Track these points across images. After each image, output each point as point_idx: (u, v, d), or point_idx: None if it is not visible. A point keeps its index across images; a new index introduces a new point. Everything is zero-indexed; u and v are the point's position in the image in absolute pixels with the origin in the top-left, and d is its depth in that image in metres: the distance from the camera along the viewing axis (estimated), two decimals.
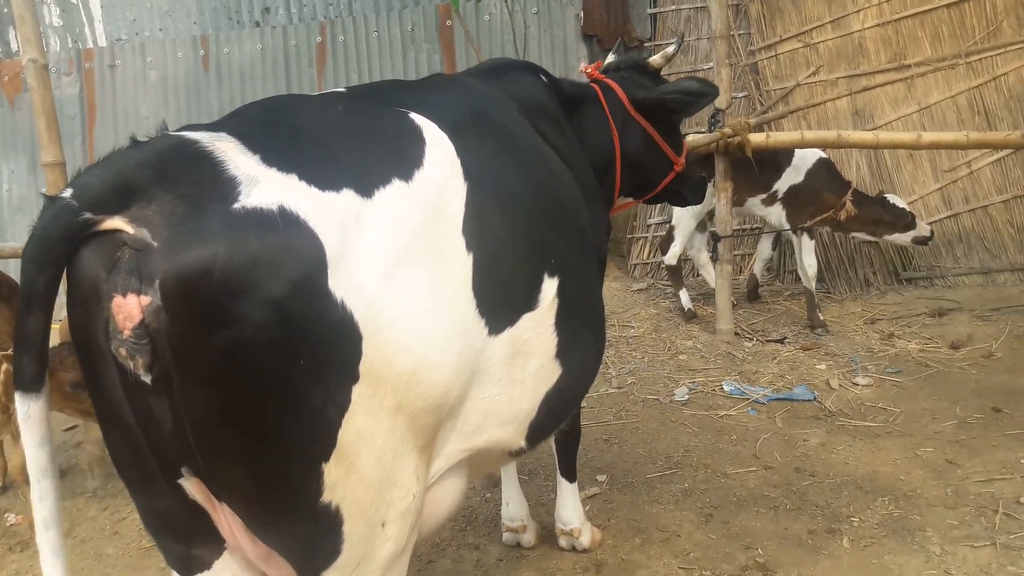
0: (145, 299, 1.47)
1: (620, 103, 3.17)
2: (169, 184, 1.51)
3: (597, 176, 3.09)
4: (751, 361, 5.45)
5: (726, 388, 4.98)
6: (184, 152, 1.57)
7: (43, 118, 4.22)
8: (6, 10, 8.50)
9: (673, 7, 7.77)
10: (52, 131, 4.17)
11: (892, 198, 6.12)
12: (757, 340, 5.83)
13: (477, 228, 1.89)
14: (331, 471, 1.64)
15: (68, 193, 1.45)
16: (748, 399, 4.84)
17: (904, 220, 6.04)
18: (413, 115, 1.96)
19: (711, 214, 6.20)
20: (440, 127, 1.97)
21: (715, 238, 5.71)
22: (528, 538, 3.57)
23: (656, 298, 6.82)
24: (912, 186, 7.15)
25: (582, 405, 4.77)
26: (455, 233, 1.84)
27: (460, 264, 1.83)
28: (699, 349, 5.71)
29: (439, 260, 1.78)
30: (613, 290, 7.12)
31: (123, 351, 1.51)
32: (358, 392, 1.63)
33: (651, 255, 7.48)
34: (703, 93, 3.11)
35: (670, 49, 3.31)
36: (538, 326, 2.10)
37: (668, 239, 6.32)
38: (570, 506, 3.43)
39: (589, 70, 3.39)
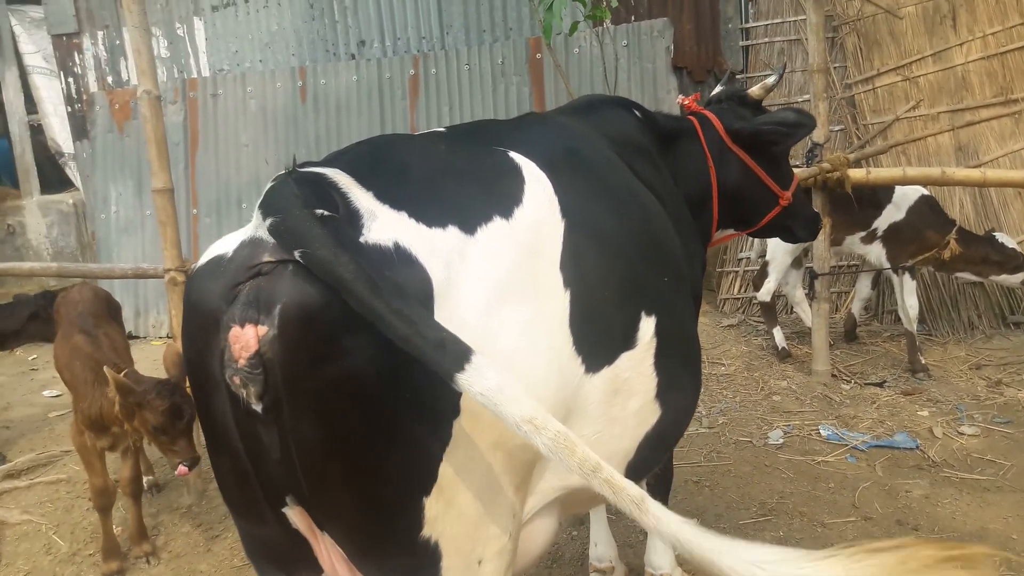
0: (262, 329, 1.53)
1: (717, 135, 3.13)
2: (332, 207, 1.58)
3: (694, 209, 3.06)
4: (849, 405, 5.24)
5: (823, 432, 4.79)
6: (327, 183, 1.64)
7: (154, 146, 4.40)
8: (118, 42, 8.98)
9: (766, 39, 7.66)
10: (163, 159, 4.35)
11: (1001, 237, 5.82)
12: (855, 383, 5.61)
13: (574, 265, 1.88)
14: (431, 505, 1.65)
15: (322, 210, 1.53)
16: (846, 445, 4.64)
17: (1015, 261, 5.74)
18: (512, 154, 1.98)
19: (807, 250, 6.03)
20: (538, 165, 1.98)
21: (812, 275, 5.53)
22: None
23: (747, 335, 6.65)
24: (1021, 224, 6.80)
25: (676, 447, 4.69)
26: (553, 270, 1.84)
27: (558, 301, 1.83)
28: (794, 390, 5.52)
29: (538, 297, 1.78)
30: (703, 325, 6.95)
31: (237, 380, 1.56)
32: (459, 427, 1.63)
33: (742, 290, 7.31)
34: (800, 124, 3.04)
35: (771, 79, 3.24)
36: (637, 365, 2.07)
37: (762, 275, 6.17)
38: (661, 550, 3.33)
39: (687, 102, 3.35)
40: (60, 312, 4.16)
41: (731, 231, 3.48)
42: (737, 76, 7.69)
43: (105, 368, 3.29)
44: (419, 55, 7.87)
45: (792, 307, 6.59)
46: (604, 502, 3.21)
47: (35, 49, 10.00)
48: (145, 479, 4.65)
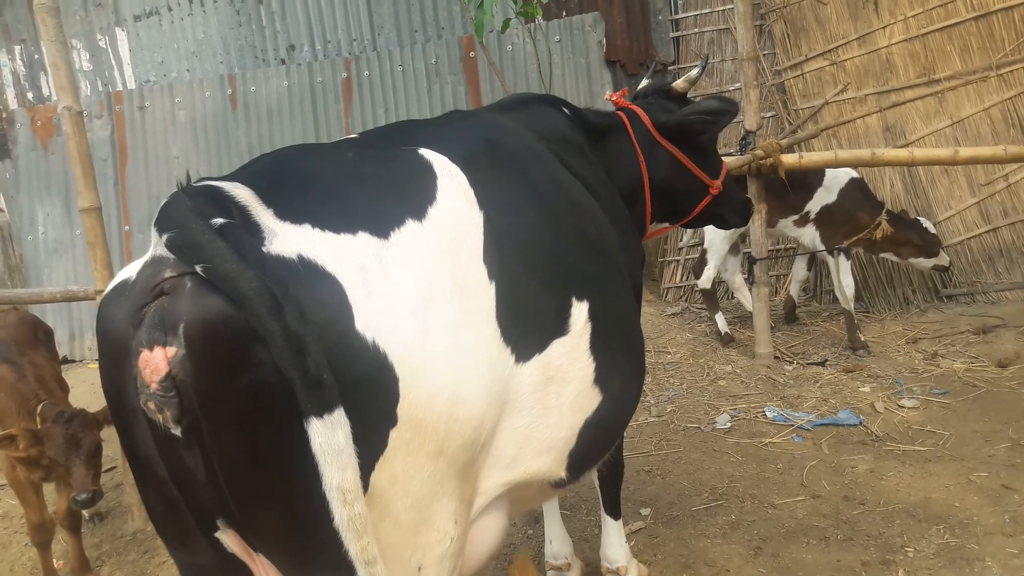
0: (171, 350, 1.49)
1: (645, 129, 3.16)
2: (228, 217, 1.52)
3: (627, 203, 3.08)
4: (793, 385, 5.34)
5: (769, 414, 4.87)
6: (223, 197, 1.59)
7: (79, 164, 4.24)
8: (37, 56, 8.68)
9: (696, 30, 7.74)
10: (88, 177, 4.20)
11: (925, 222, 6.07)
12: (798, 363, 5.71)
13: (497, 256, 1.87)
14: None
15: (220, 219, 1.46)
16: (792, 425, 4.72)
17: (934, 246, 6.09)
18: (423, 151, 1.96)
19: (744, 236, 6.12)
20: (451, 159, 1.97)
21: (750, 260, 5.62)
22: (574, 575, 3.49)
23: (691, 322, 6.73)
24: (948, 201, 7.02)
25: (626, 436, 4.72)
26: (476, 263, 1.83)
27: (483, 294, 1.81)
28: (739, 374, 5.60)
29: (462, 293, 1.76)
30: (647, 315, 7.03)
31: (152, 405, 1.52)
32: (396, 436, 1.60)
33: (684, 278, 7.39)
34: (724, 111, 3.08)
35: (693, 72, 3.28)
36: (571, 351, 2.06)
37: (701, 262, 6.25)
38: (616, 543, 3.34)
39: (615, 98, 3.38)
40: None
41: (666, 224, 3.51)
42: (669, 68, 7.79)
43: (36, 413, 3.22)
44: (351, 58, 7.78)
45: (732, 293, 6.68)
46: (552, 497, 3.23)
47: None
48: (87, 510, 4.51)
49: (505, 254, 1.90)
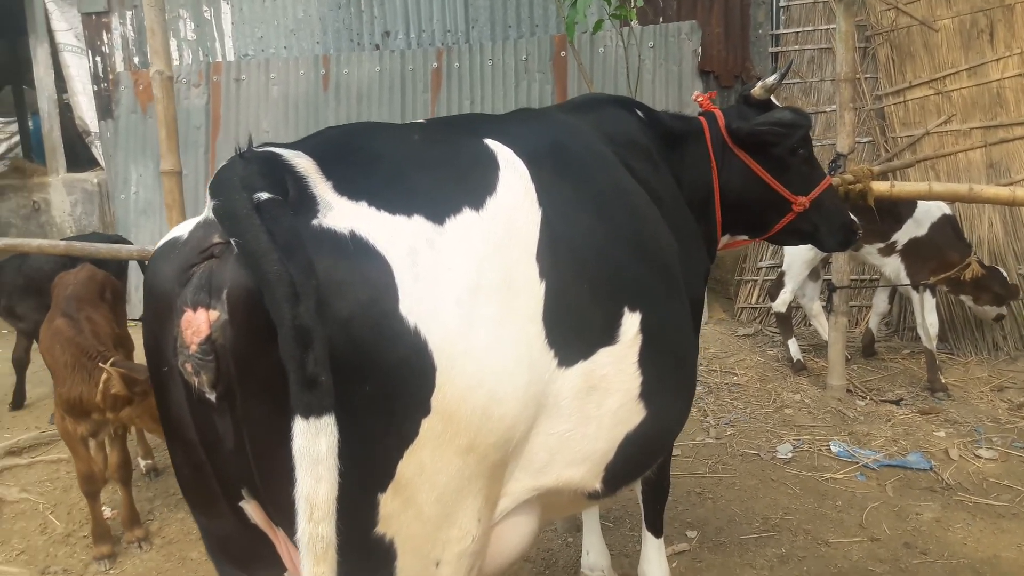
0: (214, 313, 1.48)
1: (721, 135, 3.04)
2: (280, 189, 1.51)
3: (698, 212, 2.98)
4: (863, 422, 5.11)
5: (834, 449, 4.66)
6: (279, 164, 1.58)
7: (164, 128, 4.36)
8: (147, 23, 9.00)
9: (796, 47, 7.50)
10: (172, 141, 4.31)
11: (1002, 271, 5.89)
12: (871, 399, 5.47)
13: (551, 256, 1.81)
14: (387, 502, 1.58)
15: (265, 194, 1.44)
16: (857, 463, 4.51)
17: (1012, 296, 5.84)
18: (488, 141, 1.92)
19: (825, 262, 5.89)
20: (516, 153, 1.92)
21: (830, 288, 5.40)
22: None
23: (763, 345, 6.52)
24: None
25: (674, 453, 4.58)
26: (528, 260, 1.77)
27: (532, 292, 1.76)
28: (807, 404, 5.39)
29: (510, 288, 1.70)
30: (717, 333, 6.86)
31: (189, 366, 1.51)
32: (428, 426, 1.57)
33: (760, 299, 7.16)
34: (796, 124, 2.94)
35: (771, 79, 3.12)
36: (618, 362, 1.98)
37: (778, 285, 6.04)
38: (654, 562, 3.23)
39: (701, 99, 3.26)
40: (53, 293, 4.12)
41: (743, 236, 3.38)
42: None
43: (109, 365, 3.28)
44: (443, 48, 7.81)
45: (809, 320, 6.44)
46: (587, 507, 3.14)
47: (67, 27, 10.04)
48: (144, 463, 4.62)
49: (559, 255, 1.84)
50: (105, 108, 9.35)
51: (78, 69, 9.90)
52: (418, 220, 1.60)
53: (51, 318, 3.87)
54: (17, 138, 18.64)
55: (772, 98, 3.25)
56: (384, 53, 7.95)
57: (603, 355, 1.94)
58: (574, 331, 1.86)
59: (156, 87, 4.40)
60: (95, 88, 9.50)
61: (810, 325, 6.52)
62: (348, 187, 1.59)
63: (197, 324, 1.48)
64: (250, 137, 1.73)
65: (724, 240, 3.29)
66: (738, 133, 2.98)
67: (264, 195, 1.43)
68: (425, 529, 1.64)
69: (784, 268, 6.00)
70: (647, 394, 2.06)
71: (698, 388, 5.67)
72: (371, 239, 1.52)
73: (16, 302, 5.96)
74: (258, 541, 1.74)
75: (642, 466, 2.34)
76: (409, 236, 1.57)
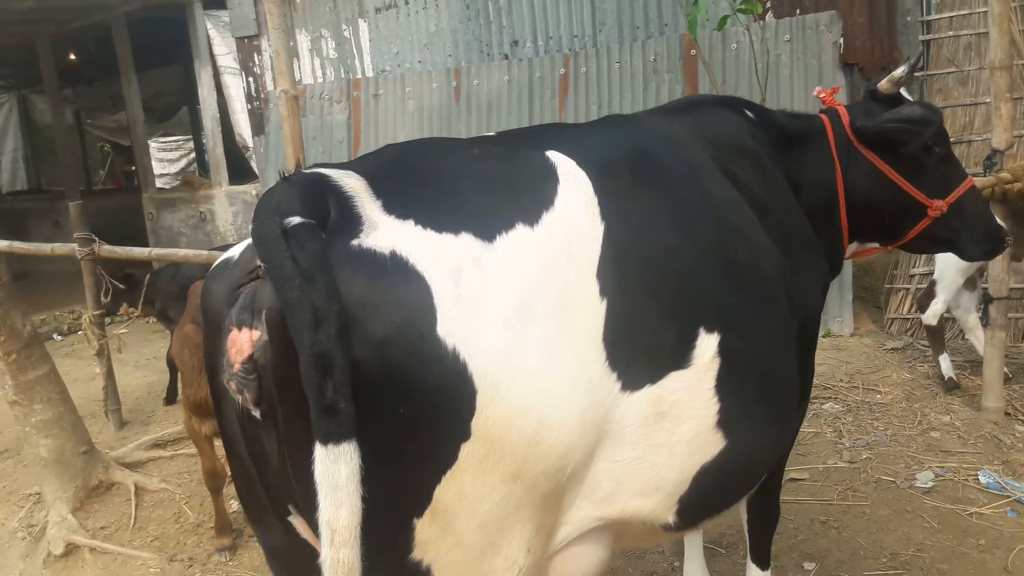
0: (255, 333, 1.51)
1: (845, 134, 2.80)
2: (317, 212, 1.50)
3: (820, 218, 2.76)
4: (1021, 449, 4.55)
5: (982, 480, 4.18)
6: (327, 185, 1.57)
7: (290, 145, 4.54)
8: (292, 43, 9.50)
9: (951, 33, 6.84)
10: (295, 158, 4.48)
11: None
12: None
13: (615, 273, 1.70)
14: (424, 528, 1.54)
15: (296, 218, 1.42)
16: (1009, 497, 4.01)
17: None
18: (550, 153, 1.83)
19: (983, 270, 5.32)
20: (581, 164, 1.82)
21: (986, 298, 4.86)
22: None
23: (913, 360, 5.98)
24: None
25: (801, 478, 4.27)
26: (588, 277, 1.67)
27: (591, 311, 1.66)
28: (957, 427, 4.88)
29: (566, 308, 1.61)
30: (863, 346, 6.37)
31: (233, 385, 1.55)
32: (468, 451, 1.51)
33: (912, 310, 6.58)
34: (927, 120, 2.68)
35: (898, 71, 2.82)
36: (691, 387, 1.84)
37: (929, 295, 5.51)
38: None
39: (823, 95, 3.02)
40: (189, 299, 4.40)
41: (874, 244, 3.10)
42: (916, 74, 6.95)
43: None
44: (570, 54, 7.74)
45: (964, 333, 5.84)
46: (666, 540, 2.94)
47: (227, 51, 10.79)
48: None
49: (625, 272, 1.73)
50: (258, 125, 9.96)
51: (236, 89, 10.62)
52: (466, 238, 1.56)
53: (182, 323, 4.13)
54: (194, 154, 20.26)
55: (903, 91, 2.96)
56: (512, 62, 7.97)
57: (674, 379, 1.81)
58: (641, 353, 1.75)
59: (282, 106, 4.60)
60: (249, 106, 10.14)
61: (966, 339, 5.91)
62: (397, 206, 1.57)
63: (240, 343, 1.51)
64: (299, 159, 1.75)
65: (852, 248, 3.04)
66: (863, 132, 2.76)
67: (295, 219, 1.42)
68: (466, 557, 1.59)
69: (936, 276, 5.46)
70: (727, 422, 1.91)
71: (836, 407, 5.28)
72: (411, 259, 1.49)
73: (169, 306, 6.49)
74: (308, 555, 1.75)
75: (726, 499, 2.17)
76: (454, 255, 1.52)
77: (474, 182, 1.71)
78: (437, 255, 1.51)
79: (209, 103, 10.79)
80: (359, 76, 9.04)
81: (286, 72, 4.54)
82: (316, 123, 8.88)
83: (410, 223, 1.54)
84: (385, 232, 1.51)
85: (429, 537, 1.55)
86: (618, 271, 1.72)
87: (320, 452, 1.34)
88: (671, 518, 1.93)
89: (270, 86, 9.69)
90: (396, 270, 1.47)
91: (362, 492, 1.43)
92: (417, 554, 1.56)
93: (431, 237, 1.53)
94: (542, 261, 1.61)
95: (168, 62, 15.42)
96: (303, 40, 9.52)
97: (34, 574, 4.13)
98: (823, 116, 2.92)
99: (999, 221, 3.00)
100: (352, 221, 1.52)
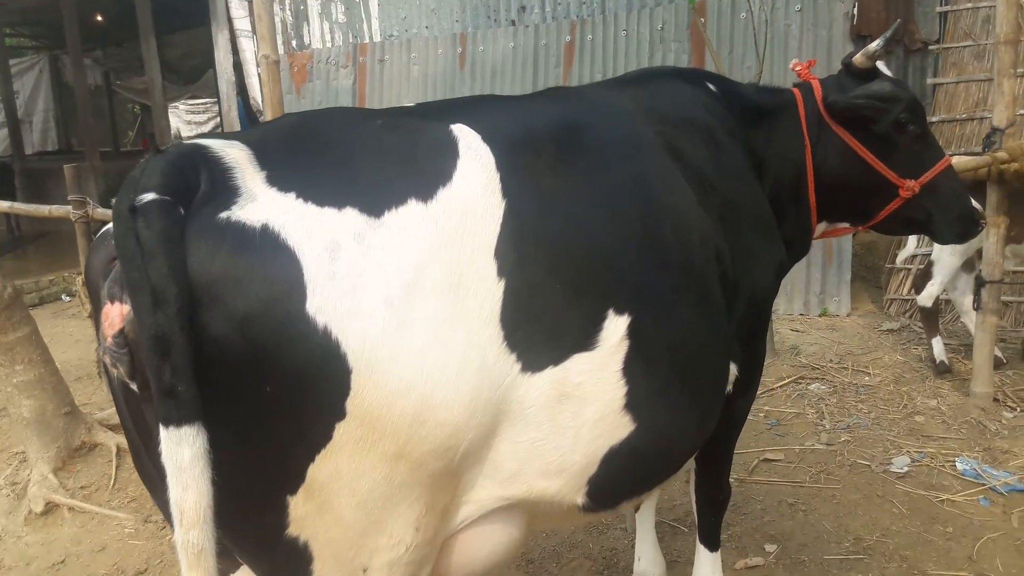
0: (126, 307, 1.46)
1: (817, 109, 2.72)
2: (195, 182, 1.47)
3: (787, 196, 2.71)
4: (1005, 436, 4.45)
5: (959, 466, 4.10)
6: (202, 156, 1.53)
7: (270, 110, 4.54)
8: (302, 7, 9.44)
9: (969, 5, 6.59)
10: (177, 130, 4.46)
11: None
12: (1021, 411, 4.76)
13: (514, 252, 1.65)
14: (298, 505, 1.53)
15: (151, 194, 1.38)
16: (984, 485, 3.93)
17: None
18: (455, 127, 1.76)
19: (981, 252, 5.17)
20: (488, 139, 1.76)
21: (979, 282, 4.74)
22: None
23: (907, 343, 5.86)
24: None
25: (776, 458, 4.22)
26: (484, 257, 1.62)
27: (487, 292, 1.61)
28: (942, 412, 4.78)
29: (460, 286, 1.57)
30: (858, 327, 6.26)
31: (108, 359, 1.51)
32: (343, 431, 1.48)
33: (912, 291, 6.45)
34: (894, 98, 2.61)
35: (873, 45, 2.71)
36: (597, 370, 1.79)
37: (925, 276, 5.39)
38: (707, 572, 2.98)
39: (799, 68, 2.93)
40: None
41: (844, 224, 3.02)
42: (931, 47, 6.75)
43: None
44: (577, 20, 7.60)
45: (960, 316, 5.70)
46: (581, 522, 2.90)
47: (244, 14, 10.77)
48: None
49: (526, 251, 1.68)
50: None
51: (250, 53, 10.60)
52: (350, 213, 1.51)
53: None
54: (219, 118, 20.38)
55: (880, 66, 2.87)
56: (519, 29, 7.85)
57: (577, 361, 1.76)
58: (542, 334, 1.70)
59: (263, 71, 4.59)
60: (259, 71, 10.12)
61: (961, 322, 5.78)
62: (281, 177, 1.52)
63: (112, 317, 1.48)
64: (178, 130, 1.72)
65: (821, 228, 2.97)
66: (833, 107, 2.68)
67: (148, 196, 1.38)
68: (347, 535, 1.58)
69: (933, 257, 5.33)
70: (636, 406, 1.86)
71: (822, 388, 5.20)
72: (284, 233, 1.44)
73: None
74: None
75: (642, 483, 2.13)
76: (333, 230, 1.48)
77: (370, 155, 1.66)
78: (313, 229, 1.46)
79: (225, 66, 10.79)
80: (366, 41, 8.97)
81: (267, 37, 4.50)
82: (322, 88, 8.85)
83: (291, 196, 1.49)
84: (262, 204, 1.47)
85: (305, 514, 1.54)
86: (519, 251, 1.67)
87: (163, 434, 1.33)
88: (580, 499, 1.89)
89: (280, 49, 9.65)
90: (265, 244, 1.43)
91: (211, 475, 1.41)
92: (293, 530, 1.55)
93: (310, 211, 1.48)
94: (434, 239, 1.56)
95: (195, 25, 15.44)
96: (313, 4, 9.46)
97: (15, 531, 4.23)
98: (795, 90, 2.84)
99: (975, 203, 2.88)
100: (227, 193, 1.47)
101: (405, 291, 1.50)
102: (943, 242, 3.14)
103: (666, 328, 1.95)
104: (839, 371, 5.43)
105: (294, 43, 9.53)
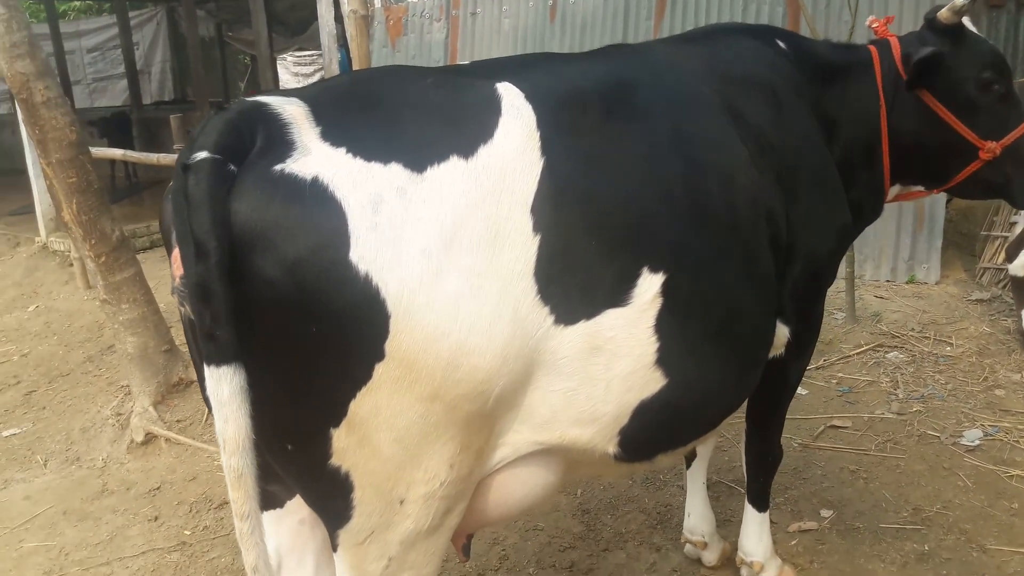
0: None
1: (895, 67, 2.67)
2: (252, 137, 1.61)
3: (859, 157, 2.69)
4: None
5: None
6: (260, 113, 1.65)
7: (358, 65, 4.71)
8: None
9: None
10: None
11: None
12: None
13: (551, 208, 1.75)
14: (340, 437, 1.67)
15: (204, 153, 1.52)
16: None
17: None
18: (500, 85, 1.85)
19: None
20: (531, 97, 1.84)
21: None
22: (710, 557, 3.28)
23: (996, 314, 5.64)
24: None
25: (843, 425, 4.19)
26: (521, 213, 1.72)
27: (522, 246, 1.71)
28: None
29: (496, 240, 1.68)
30: (946, 296, 6.04)
31: (176, 297, 1.68)
32: (382, 371, 1.62)
33: (1005, 260, 6.15)
34: (982, 56, 2.65)
35: None
36: (628, 325, 1.87)
37: (1019, 243, 5.16)
38: (754, 536, 3.05)
39: (876, 25, 2.88)
40: None
41: (919, 187, 2.98)
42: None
43: None
44: None
45: None
46: (619, 473, 2.97)
47: None
48: None
49: (563, 207, 1.77)
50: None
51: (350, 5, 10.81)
52: (395, 168, 1.63)
53: None
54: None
55: (966, 21, 2.78)
56: None
57: (610, 316, 1.85)
58: (576, 289, 1.79)
59: (351, 27, 4.77)
60: None
61: None
62: (334, 133, 1.65)
63: (178, 260, 1.64)
64: (242, 86, 1.86)
65: (894, 191, 2.94)
66: (910, 63, 2.60)
67: (200, 155, 1.52)
68: (385, 468, 1.71)
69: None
70: (667, 361, 1.93)
71: (900, 356, 5.09)
72: (332, 185, 1.57)
73: None
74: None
75: (677, 437, 2.21)
76: (378, 184, 1.60)
77: (418, 113, 1.76)
78: (359, 182, 1.58)
79: (327, 19, 10.99)
80: None
81: None
82: (416, 42, 8.98)
83: (342, 151, 1.61)
84: (314, 158, 1.59)
85: (347, 446, 1.68)
86: (555, 207, 1.75)
87: (206, 372, 1.50)
88: (612, 449, 1.98)
89: (377, 3, 9.80)
90: (314, 195, 1.55)
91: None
92: (336, 460, 1.69)
93: (358, 165, 1.60)
94: (473, 194, 1.66)
95: None
96: None
97: (119, 457, 4.65)
98: (871, 48, 2.78)
99: None
100: (283, 147, 1.60)
101: (443, 243, 1.61)
102: (1020, 206, 3.05)
103: (703, 288, 2.01)
104: (920, 340, 5.29)
105: None
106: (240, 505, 1.55)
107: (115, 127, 13.74)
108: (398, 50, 9.15)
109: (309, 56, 22.05)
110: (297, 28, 19.90)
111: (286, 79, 14.18)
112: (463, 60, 8.67)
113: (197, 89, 15.00)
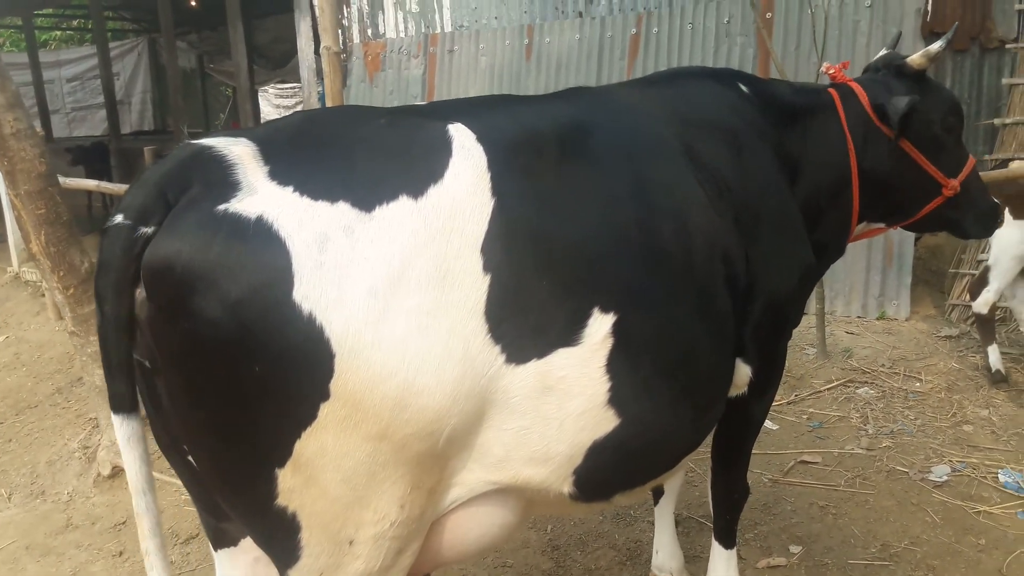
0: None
1: (862, 111, 2.73)
2: (183, 188, 1.62)
3: (825, 197, 2.73)
4: None
5: (1002, 478, 4.01)
6: (200, 158, 1.66)
7: (330, 100, 4.73)
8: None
9: None
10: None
11: None
12: None
13: (501, 249, 1.75)
14: (286, 478, 1.66)
15: (120, 217, 1.59)
16: None
17: None
18: (452, 126, 1.86)
19: None
20: (482, 138, 1.85)
21: None
22: None
23: (965, 351, 5.71)
24: None
25: (813, 461, 4.20)
26: (471, 253, 1.72)
27: (472, 286, 1.71)
28: (992, 423, 4.67)
29: (444, 281, 1.68)
30: (916, 332, 6.12)
31: None
32: (328, 411, 1.61)
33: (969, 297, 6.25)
34: (952, 102, 2.78)
35: (934, 46, 2.71)
36: (580, 364, 1.87)
37: (981, 281, 5.24)
38: (721, 573, 3.03)
39: (832, 71, 2.95)
40: None
41: (879, 224, 3.04)
42: (1007, 45, 6.49)
43: None
44: (643, 13, 7.58)
45: (1019, 324, 5.51)
46: (577, 512, 2.96)
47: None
48: None
49: (514, 248, 1.78)
50: (343, 76, 10.22)
51: None
52: (342, 207, 1.63)
53: None
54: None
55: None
56: (585, 21, 7.88)
57: (560, 356, 1.85)
58: (527, 328, 1.79)
59: (325, 62, 4.78)
60: None
61: (1021, 330, 5.59)
62: (282, 172, 1.65)
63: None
64: (184, 128, 1.90)
65: (860, 228, 2.98)
66: (897, 113, 2.64)
67: (116, 219, 1.59)
68: (332, 508, 1.70)
69: (990, 263, 5.17)
70: (619, 401, 1.93)
71: (870, 392, 5.13)
72: (276, 224, 1.57)
73: None
74: (208, 492, 1.91)
75: (634, 476, 2.20)
76: (324, 222, 1.60)
77: (369, 152, 1.76)
78: (305, 221, 1.58)
79: (306, 53, 11.08)
80: (437, 31, 9.13)
81: (329, 29, 4.70)
82: (394, 78, 9.07)
83: (288, 189, 1.61)
84: (260, 197, 1.59)
85: (293, 487, 1.66)
86: (506, 247, 1.75)
87: (114, 419, 1.63)
88: (567, 488, 1.98)
89: (356, 38, 9.91)
90: (257, 234, 1.55)
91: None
92: (282, 501, 1.68)
93: (304, 204, 1.60)
94: (421, 234, 1.66)
95: (283, 10, 15.87)
96: None
97: (84, 491, 4.56)
98: (832, 91, 2.84)
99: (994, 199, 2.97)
100: (227, 187, 1.60)
101: (390, 282, 1.61)
102: (970, 237, 3.16)
103: (655, 328, 2.01)
104: (890, 376, 5.34)
105: (369, 32, 9.76)
106: (141, 542, 1.66)
107: (93, 156, 13.70)
108: (376, 85, 9.24)
109: (291, 88, 22.16)
110: (279, 61, 20.05)
111: (268, 111, 14.23)
112: (440, 96, 8.80)
113: (176, 120, 15.02)
